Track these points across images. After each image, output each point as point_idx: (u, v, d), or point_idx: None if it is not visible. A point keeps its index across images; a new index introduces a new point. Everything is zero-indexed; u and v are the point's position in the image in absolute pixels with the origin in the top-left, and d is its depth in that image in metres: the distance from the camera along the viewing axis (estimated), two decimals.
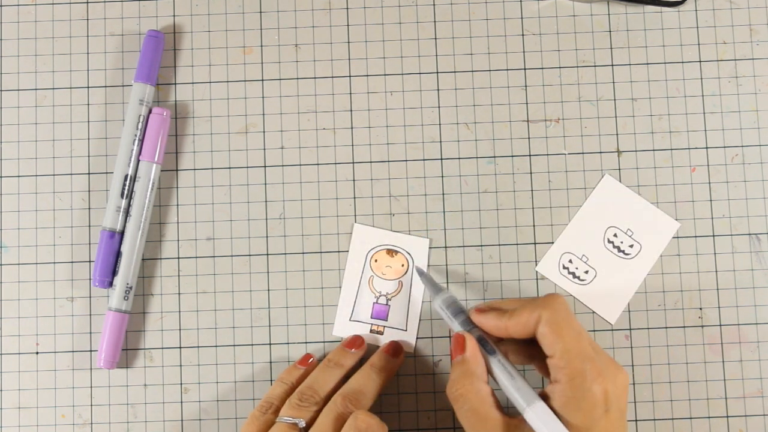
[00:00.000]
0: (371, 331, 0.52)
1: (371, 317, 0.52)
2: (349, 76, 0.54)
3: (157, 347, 0.53)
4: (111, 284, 0.52)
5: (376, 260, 0.53)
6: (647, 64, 0.54)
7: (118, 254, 0.52)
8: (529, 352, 0.48)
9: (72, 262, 0.53)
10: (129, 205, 0.52)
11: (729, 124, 0.54)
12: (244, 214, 0.53)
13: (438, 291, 0.50)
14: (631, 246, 0.53)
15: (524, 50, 0.54)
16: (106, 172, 0.54)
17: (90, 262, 0.53)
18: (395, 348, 0.51)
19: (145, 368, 0.53)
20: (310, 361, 0.51)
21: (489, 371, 0.46)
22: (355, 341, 0.51)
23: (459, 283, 0.53)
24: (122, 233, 0.52)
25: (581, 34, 0.55)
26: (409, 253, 0.53)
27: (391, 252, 0.53)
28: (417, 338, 0.52)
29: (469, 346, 0.46)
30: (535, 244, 0.53)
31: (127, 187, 0.52)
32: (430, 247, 0.53)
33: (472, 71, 0.54)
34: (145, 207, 0.52)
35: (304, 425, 0.46)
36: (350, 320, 0.52)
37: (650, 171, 0.54)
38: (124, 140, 0.52)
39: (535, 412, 0.43)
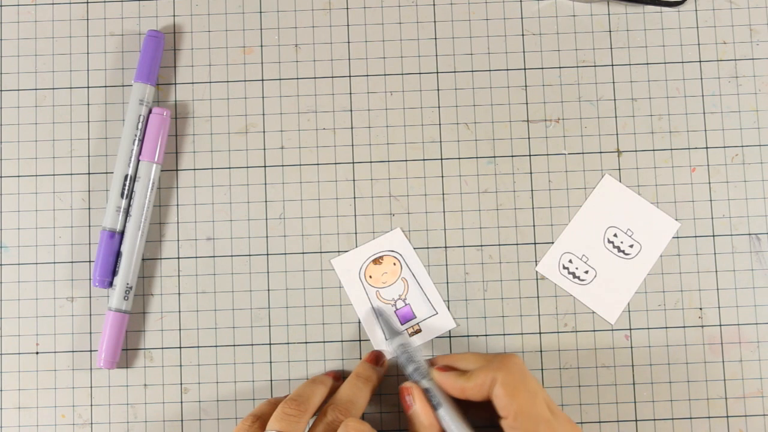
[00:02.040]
0: (410, 335, 0.52)
1: (401, 324, 0.52)
2: (349, 76, 0.54)
3: (157, 347, 0.53)
4: (111, 284, 0.52)
5: (370, 276, 0.53)
6: (647, 64, 0.54)
7: (118, 254, 0.52)
8: (489, 413, 0.48)
9: (72, 262, 0.53)
10: (129, 205, 0.52)
11: (729, 124, 0.54)
12: (244, 214, 0.53)
13: (395, 335, 0.51)
14: (631, 246, 0.53)
15: (524, 50, 0.54)
16: (106, 172, 0.54)
17: (90, 262, 0.53)
18: (377, 357, 0.51)
19: (145, 368, 0.53)
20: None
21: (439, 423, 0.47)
22: (376, 357, 0.52)
23: (459, 283, 0.53)
24: (122, 233, 0.52)
25: (581, 34, 0.55)
26: (392, 251, 0.53)
27: (377, 260, 0.53)
28: (454, 318, 0.52)
29: (417, 398, 0.47)
30: (535, 244, 0.53)
31: (127, 187, 0.52)
32: (404, 230, 0.53)
33: (472, 71, 0.54)
34: (145, 207, 0.52)
35: None
36: (387, 340, 0.52)
37: (650, 171, 0.54)
38: (124, 140, 0.52)
39: None
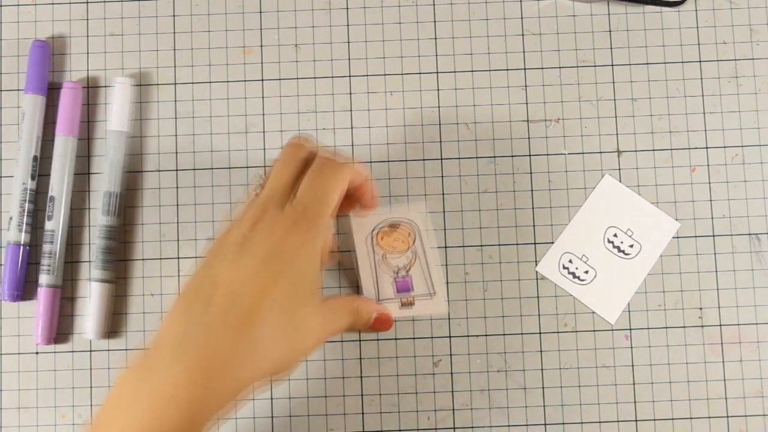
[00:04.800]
0: (402, 305, 0.52)
1: (396, 293, 0.52)
2: (349, 76, 0.54)
3: None
4: (21, 297, 0.52)
5: (381, 238, 0.53)
6: (647, 64, 0.54)
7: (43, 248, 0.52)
8: None
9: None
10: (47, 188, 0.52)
11: (729, 124, 0.54)
12: None
13: None
14: (631, 246, 0.53)
15: (524, 50, 0.54)
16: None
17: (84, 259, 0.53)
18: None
19: None
20: None
21: None
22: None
23: (459, 283, 0.53)
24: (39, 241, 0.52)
25: (581, 34, 0.55)
26: (410, 221, 0.53)
27: (393, 226, 0.53)
28: (449, 301, 0.52)
29: None
30: (535, 244, 0.53)
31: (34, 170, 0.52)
32: (427, 211, 0.53)
33: (472, 71, 0.54)
34: (65, 182, 0.52)
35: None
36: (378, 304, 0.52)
37: (650, 171, 0.54)
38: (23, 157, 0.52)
39: None
